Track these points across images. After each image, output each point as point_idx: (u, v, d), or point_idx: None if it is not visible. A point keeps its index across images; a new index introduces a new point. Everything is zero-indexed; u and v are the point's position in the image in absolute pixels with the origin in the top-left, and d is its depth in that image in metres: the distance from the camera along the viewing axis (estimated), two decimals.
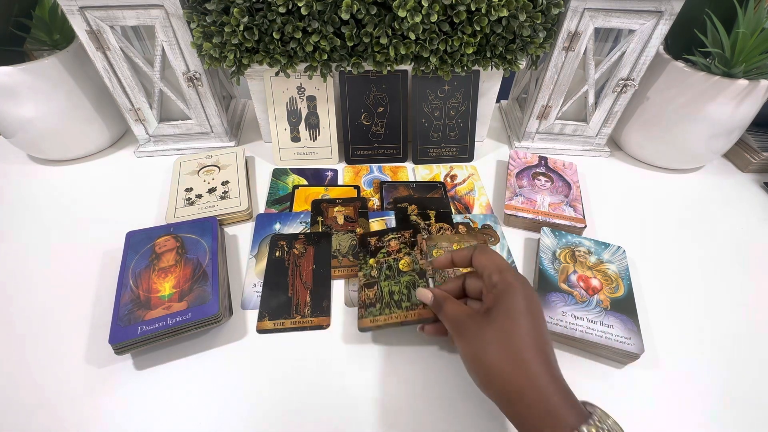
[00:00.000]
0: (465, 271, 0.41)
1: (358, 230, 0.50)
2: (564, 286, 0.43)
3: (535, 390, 0.27)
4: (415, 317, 0.38)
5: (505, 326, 0.30)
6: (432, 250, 0.48)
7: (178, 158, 0.59)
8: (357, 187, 0.57)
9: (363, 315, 0.40)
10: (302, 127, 0.59)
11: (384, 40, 0.49)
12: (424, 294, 0.37)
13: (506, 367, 0.28)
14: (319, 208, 0.52)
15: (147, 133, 0.61)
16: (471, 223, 0.52)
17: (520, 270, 0.47)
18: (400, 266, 0.44)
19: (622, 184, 0.61)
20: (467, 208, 0.55)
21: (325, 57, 0.50)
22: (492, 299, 0.32)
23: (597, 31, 0.52)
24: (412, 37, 0.48)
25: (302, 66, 0.53)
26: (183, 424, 0.34)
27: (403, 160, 0.63)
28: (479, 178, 0.60)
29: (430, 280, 0.44)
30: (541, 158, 0.60)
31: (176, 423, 0.35)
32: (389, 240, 0.47)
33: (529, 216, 0.51)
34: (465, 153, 0.62)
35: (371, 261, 0.45)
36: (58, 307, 0.42)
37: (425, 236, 0.49)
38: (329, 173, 0.60)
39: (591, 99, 0.60)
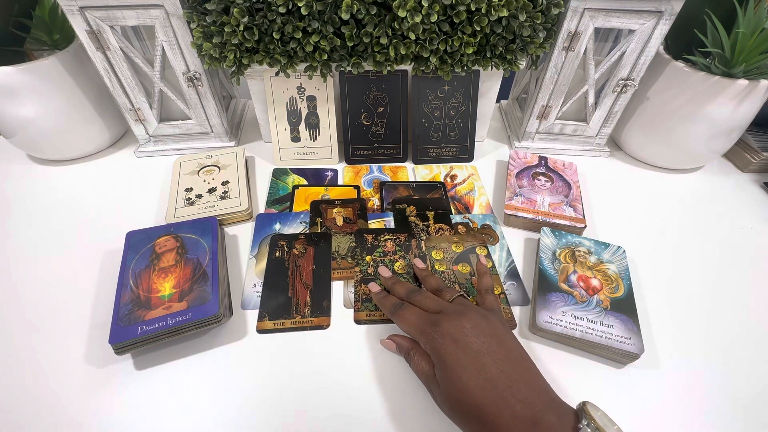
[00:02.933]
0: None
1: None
2: (564, 286, 0.43)
3: None
4: None
5: (450, 395, 0.31)
6: (431, 252, 0.48)
7: (178, 158, 0.59)
8: (357, 187, 0.57)
9: (359, 308, 0.42)
10: (302, 127, 0.59)
11: (384, 40, 0.49)
12: (388, 345, 0.38)
13: (472, 427, 0.30)
14: (318, 209, 0.52)
15: (147, 133, 0.61)
16: (470, 223, 0.52)
17: (520, 270, 0.47)
18: (396, 268, 0.46)
19: (622, 184, 0.61)
20: (467, 208, 0.55)
21: (325, 57, 0.50)
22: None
23: (597, 31, 0.52)
24: (412, 37, 0.48)
25: (302, 66, 0.53)
26: (183, 424, 0.34)
27: (403, 160, 0.63)
28: (479, 178, 0.60)
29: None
30: (541, 158, 0.60)
31: (176, 423, 0.35)
32: (385, 240, 0.47)
33: (529, 216, 0.51)
34: (465, 153, 0.62)
35: (368, 258, 0.46)
36: (58, 307, 0.42)
37: (422, 238, 0.49)
38: (329, 173, 0.60)
39: (591, 99, 0.60)
